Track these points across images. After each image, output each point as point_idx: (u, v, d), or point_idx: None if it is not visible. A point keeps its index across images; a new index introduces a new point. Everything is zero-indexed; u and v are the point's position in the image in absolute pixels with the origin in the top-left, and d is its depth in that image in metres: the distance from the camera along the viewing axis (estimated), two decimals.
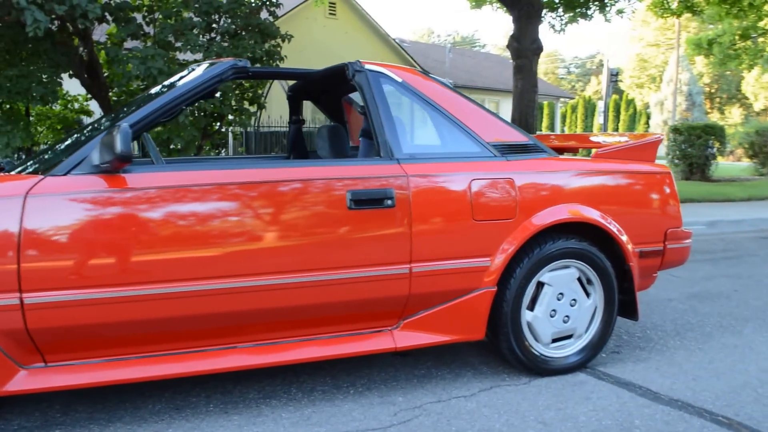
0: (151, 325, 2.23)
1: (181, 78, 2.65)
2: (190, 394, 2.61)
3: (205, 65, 2.67)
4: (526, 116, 11.78)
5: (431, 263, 2.53)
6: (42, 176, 2.15)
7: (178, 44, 8.04)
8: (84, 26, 6.40)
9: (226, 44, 8.32)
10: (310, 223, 2.37)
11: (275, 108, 14.99)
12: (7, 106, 7.96)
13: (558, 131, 26.85)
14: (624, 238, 2.84)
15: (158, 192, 2.22)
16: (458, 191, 2.58)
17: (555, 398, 2.57)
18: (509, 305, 2.68)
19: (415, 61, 19.97)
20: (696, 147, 14.27)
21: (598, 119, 34.60)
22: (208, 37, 8.26)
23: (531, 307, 2.75)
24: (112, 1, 8.15)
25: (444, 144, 2.70)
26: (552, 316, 2.78)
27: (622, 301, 2.96)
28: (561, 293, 2.78)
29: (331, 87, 3.50)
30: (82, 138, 2.51)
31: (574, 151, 3.58)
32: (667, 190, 3.01)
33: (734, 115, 40.73)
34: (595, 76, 44.31)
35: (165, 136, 8.70)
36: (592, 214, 2.78)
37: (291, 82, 3.77)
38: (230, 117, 9.84)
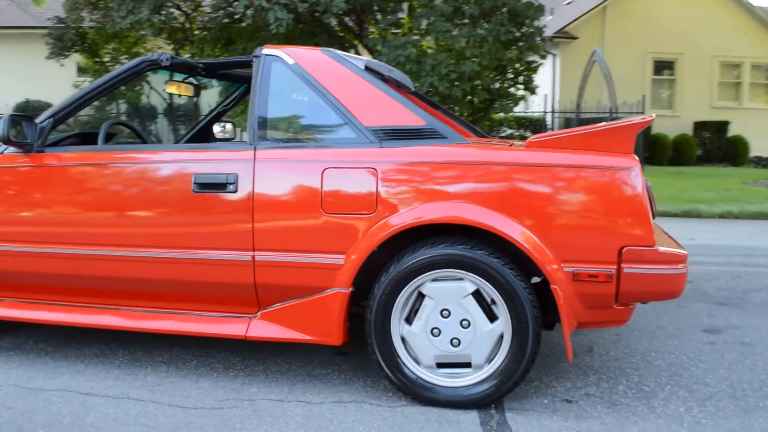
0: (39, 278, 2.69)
1: None
2: (127, 348, 2.99)
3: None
4: None
5: (275, 254, 2.38)
6: None
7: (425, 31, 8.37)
8: (328, 20, 7.22)
9: (478, 29, 8.29)
10: (160, 203, 2.51)
11: (594, 91, 14.19)
12: None
13: None
14: (539, 250, 2.17)
15: (39, 168, 2.65)
16: (307, 180, 2.34)
17: (388, 430, 2.16)
18: (373, 312, 2.32)
19: None
20: None
21: None
22: (456, 23, 8.37)
23: (411, 321, 2.34)
24: None
25: (314, 129, 2.47)
26: (435, 335, 2.30)
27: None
28: (446, 309, 2.28)
29: None
30: None
31: None
32: (626, 193, 2.15)
33: None
34: None
35: None
36: (479, 216, 2.19)
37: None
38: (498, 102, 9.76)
